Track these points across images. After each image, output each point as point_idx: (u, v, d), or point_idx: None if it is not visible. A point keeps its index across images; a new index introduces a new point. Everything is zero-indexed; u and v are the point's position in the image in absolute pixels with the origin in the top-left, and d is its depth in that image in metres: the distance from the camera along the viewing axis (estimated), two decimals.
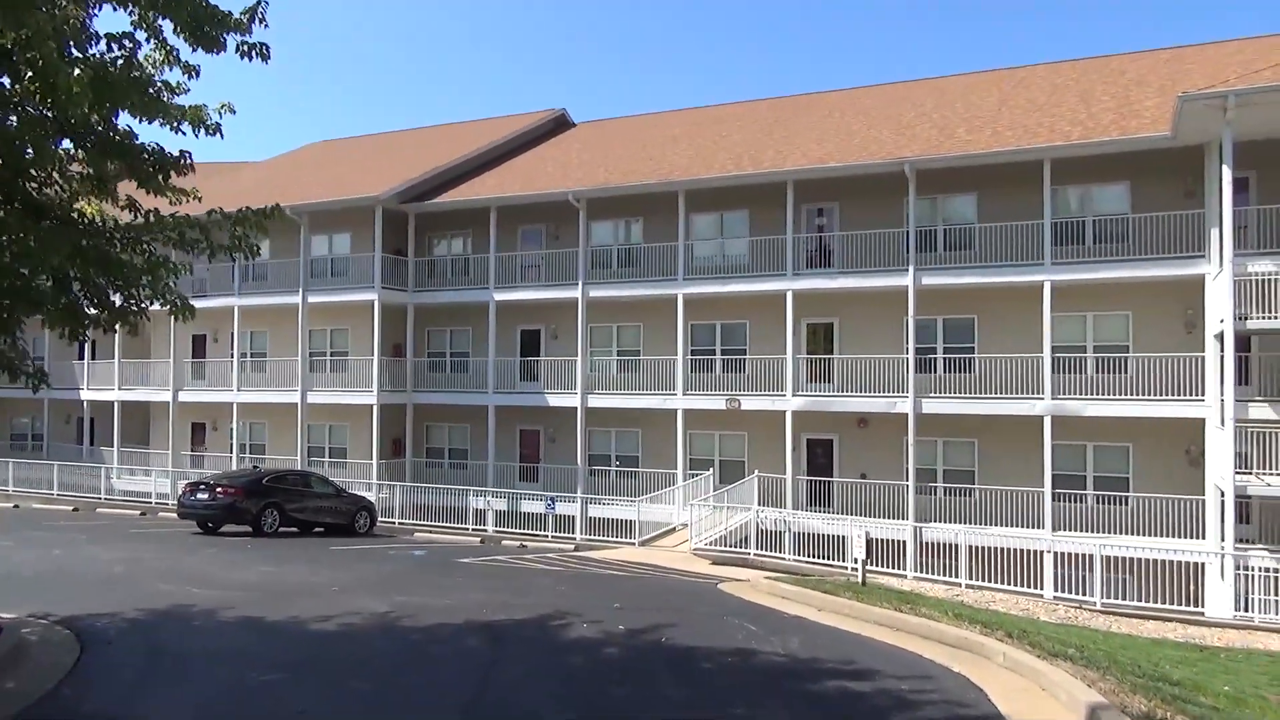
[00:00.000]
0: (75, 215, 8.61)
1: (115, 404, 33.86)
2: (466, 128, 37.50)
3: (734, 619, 11.67)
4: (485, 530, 25.61)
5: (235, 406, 31.39)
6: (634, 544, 22.57)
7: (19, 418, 38.60)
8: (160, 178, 8.68)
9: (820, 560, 20.76)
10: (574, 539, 24.28)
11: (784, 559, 20.83)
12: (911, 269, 23.10)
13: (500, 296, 28.49)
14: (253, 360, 32.34)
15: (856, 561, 16.13)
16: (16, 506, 30.93)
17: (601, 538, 24.52)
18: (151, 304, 9.01)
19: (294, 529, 23.30)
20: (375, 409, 28.71)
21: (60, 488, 32.02)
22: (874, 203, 24.79)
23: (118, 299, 8.90)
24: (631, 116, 36.15)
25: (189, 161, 8.81)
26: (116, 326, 9.12)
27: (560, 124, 36.79)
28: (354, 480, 28.31)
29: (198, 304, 33.25)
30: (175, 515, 24.06)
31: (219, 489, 22.03)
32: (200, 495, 22.17)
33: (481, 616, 11.26)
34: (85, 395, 34.85)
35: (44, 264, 7.73)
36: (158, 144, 8.77)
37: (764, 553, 20.84)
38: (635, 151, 30.31)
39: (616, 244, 28.37)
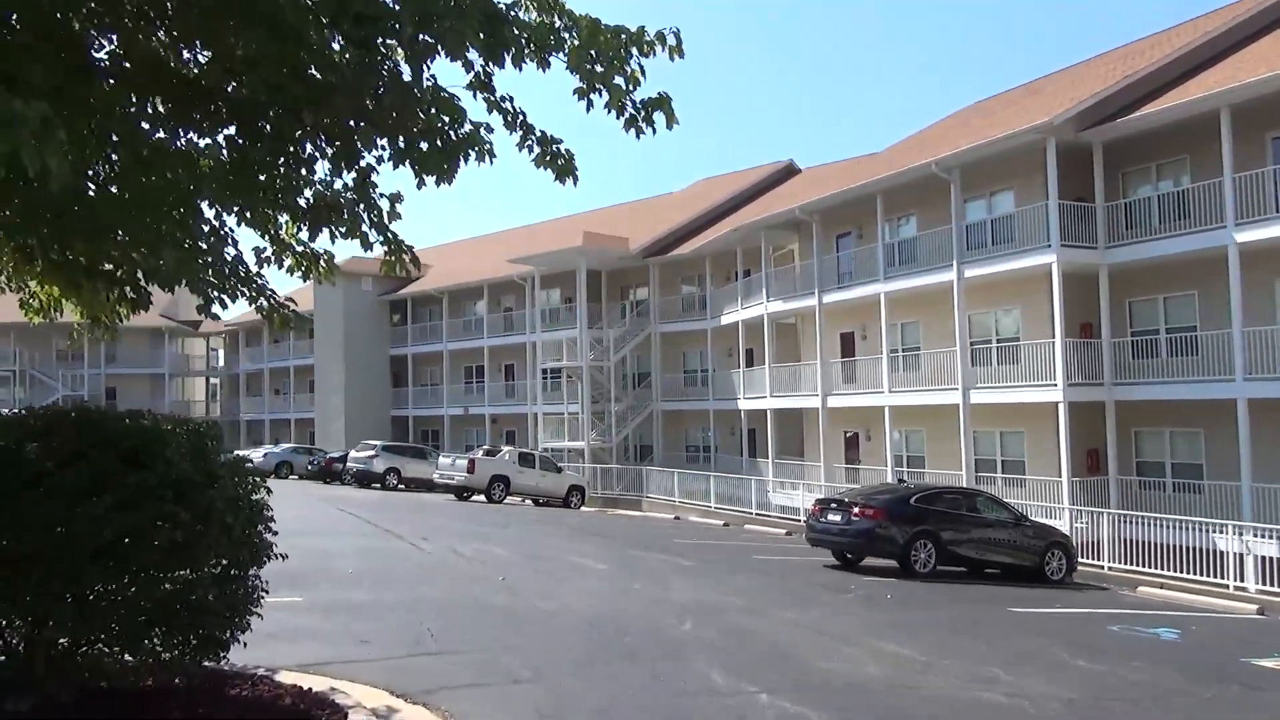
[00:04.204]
0: None
1: (768, 413, 31.72)
2: (1160, 38, 27.92)
3: None
4: (1246, 589, 16.65)
5: (887, 411, 26.59)
6: None
7: (692, 429, 39.15)
8: None
9: None
10: None
11: None
12: None
13: (1244, 236, 19.13)
14: (904, 356, 27.30)
15: None
16: (677, 519, 30.15)
17: None
18: None
19: (958, 568, 17.32)
20: (1061, 409, 21.37)
21: (717, 500, 30.55)
22: None
23: None
24: None
25: None
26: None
27: None
28: (1033, 504, 21.33)
29: (840, 295, 27.10)
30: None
31: (854, 510, 16.92)
32: (831, 517, 17.36)
33: None
34: (742, 405, 33.62)
35: None
36: None
37: None
38: None
39: None
